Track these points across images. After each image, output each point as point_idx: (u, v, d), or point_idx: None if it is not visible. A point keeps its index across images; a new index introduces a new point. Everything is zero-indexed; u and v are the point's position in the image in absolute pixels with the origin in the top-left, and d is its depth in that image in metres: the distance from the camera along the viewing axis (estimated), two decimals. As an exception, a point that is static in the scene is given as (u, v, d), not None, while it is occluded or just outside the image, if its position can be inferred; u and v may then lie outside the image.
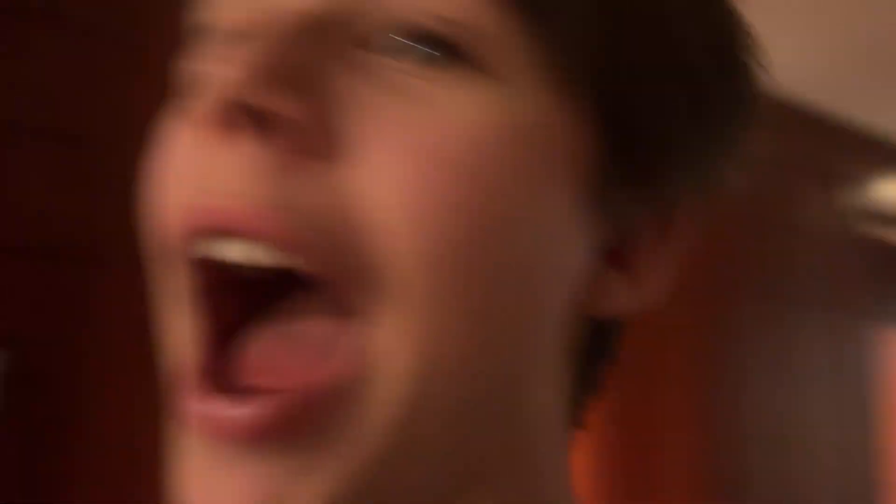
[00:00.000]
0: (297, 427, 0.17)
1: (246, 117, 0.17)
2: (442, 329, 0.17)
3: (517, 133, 0.18)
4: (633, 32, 0.20)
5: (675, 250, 0.22)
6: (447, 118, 0.18)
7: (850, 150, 1.93)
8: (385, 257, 0.17)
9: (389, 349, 0.17)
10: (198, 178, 0.18)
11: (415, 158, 0.17)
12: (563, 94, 0.19)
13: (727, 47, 0.22)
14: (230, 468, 0.17)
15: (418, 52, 0.18)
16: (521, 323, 0.19)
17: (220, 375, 0.18)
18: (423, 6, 0.18)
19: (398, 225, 0.17)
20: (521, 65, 0.18)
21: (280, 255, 0.17)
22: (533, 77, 0.19)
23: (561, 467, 0.22)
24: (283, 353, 0.18)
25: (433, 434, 0.18)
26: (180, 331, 0.19)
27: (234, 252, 0.17)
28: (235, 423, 0.17)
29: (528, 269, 0.19)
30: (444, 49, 0.18)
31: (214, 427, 0.17)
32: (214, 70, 0.17)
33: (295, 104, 0.17)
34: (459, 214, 0.17)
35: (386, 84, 0.18)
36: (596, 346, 0.23)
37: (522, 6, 0.18)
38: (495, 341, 0.19)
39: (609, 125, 0.20)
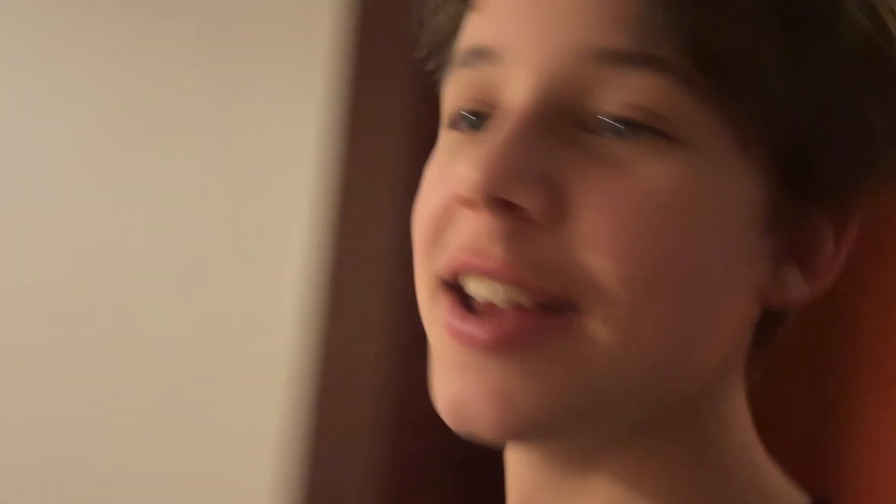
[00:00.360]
0: (519, 345, 0.24)
1: (487, 204, 0.23)
2: (636, 322, 0.23)
3: (702, 191, 0.23)
4: (820, 108, 0.24)
5: (849, 245, 0.26)
6: (643, 184, 0.23)
7: None
8: (596, 285, 0.23)
9: (595, 326, 0.23)
10: (441, 226, 0.25)
11: (617, 218, 0.23)
12: (748, 155, 0.23)
13: None
14: (476, 370, 0.24)
15: (623, 132, 0.23)
16: (704, 322, 0.25)
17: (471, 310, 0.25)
18: (625, 100, 0.23)
19: (606, 266, 0.23)
20: (711, 136, 0.23)
21: (512, 292, 0.24)
22: (720, 144, 0.23)
23: (740, 426, 0.27)
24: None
25: (627, 386, 0.24)
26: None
27: (481, 290, 0.24)
28: (479, 338, 0.24)
29: (704, 288, 0.24)
30: (644, 129, 0.23)
31: (468, 340, 0.24)
32: (462, 170, 0.23)
33: (527, 197, 0.23)
34: (649, 256, 0.23)
35: (597, 157, 0.23)
36: (770, 328, 0.28)
37: (716, 94, 0.22)
38: (680, 333, 0.24)
39: (787, 170, 0.24)
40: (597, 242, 0.23)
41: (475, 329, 0.24)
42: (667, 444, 0.26)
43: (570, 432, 0.26)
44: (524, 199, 0.23)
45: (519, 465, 0.28)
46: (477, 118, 0.26)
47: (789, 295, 0.26)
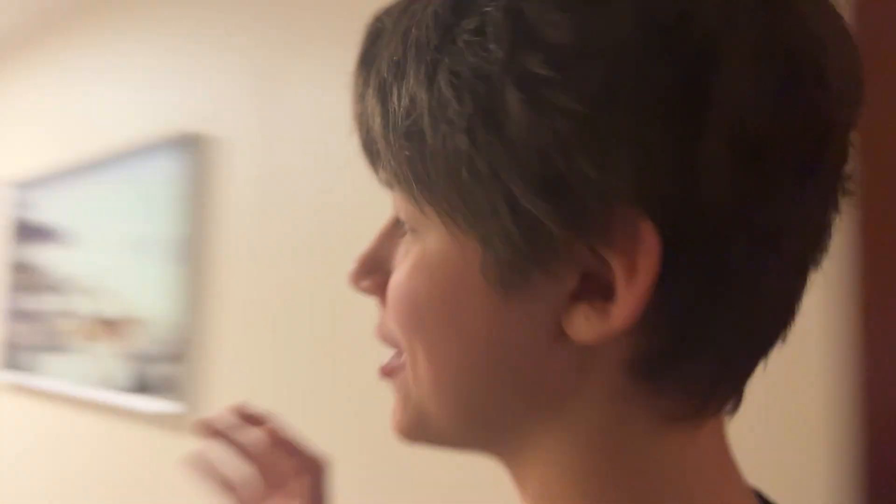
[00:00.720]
0: (386, 378, 0.32)
1: (357, 285, 0.33)
2: (414, 364, 0.30)
3: (430, 264, 0.28)
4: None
5: (649, 271, 0.24)
6: (405, 263, 0.30)
7: None
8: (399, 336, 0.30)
9: (405, 366, 0.31)
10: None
11: (391, 291, 0.30)
12: (455, 235, 0.28)
13: None
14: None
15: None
16: (476, 359, 0.29)
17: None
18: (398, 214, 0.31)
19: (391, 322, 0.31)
20: (429, 227, 0.28)
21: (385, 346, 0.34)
22: (436, 231, 0.28)
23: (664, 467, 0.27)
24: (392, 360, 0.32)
25: (443, 415, 0.30)
26: None
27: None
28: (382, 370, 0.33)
29: (461, 337, 0.29)
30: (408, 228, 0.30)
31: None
32: (354, 263, 0.33)
33: (364, 282, 0.33)
34: (401, 315, 0.30)
35: (403, 250, 0.31)
36: (653, 364, 0.26)
37: (420, 201, 0.28)
38: (459, 372, 0.30)
39: (487, 240, 0.28)
40: (388, 309, 0.31)
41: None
42: (569, 455, 0.28)
43: (445, 445, 0.32)
44: (365, 289, 0.34)
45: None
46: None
47: (588, 333, 0.25)
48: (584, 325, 0.25)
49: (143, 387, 1.54)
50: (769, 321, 0.27)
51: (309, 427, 1.22)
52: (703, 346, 0.25)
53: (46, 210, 1.92)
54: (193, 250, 1.44)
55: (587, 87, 0.23)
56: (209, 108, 1.47)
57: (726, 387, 0.27)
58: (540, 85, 0.23)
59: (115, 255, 1.65)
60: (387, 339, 0.32)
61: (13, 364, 1.95)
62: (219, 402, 1.39)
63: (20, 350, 1.96)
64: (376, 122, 0.28)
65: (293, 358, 1.28)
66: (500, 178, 0.24)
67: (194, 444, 1.42)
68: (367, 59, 0.28)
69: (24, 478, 1.94)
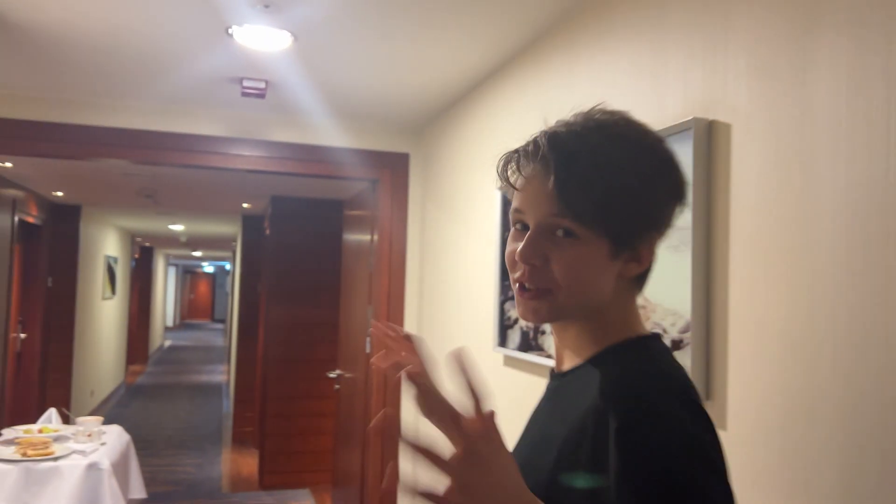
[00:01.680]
0: (535, 297, 0.85)
1: (523, 262, 0.84)
2: (568, 292, 0.83)
3: (586, 254, 0.83)
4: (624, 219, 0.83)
5: (651, 252, 0.86)
6: (569, 252, 0.82)
7: None
8: (558, 283, 0.83)
9: (557, 294, 0.84)
10: (512, 261, 0.87)
11: (562, 265, 0.82)
12: (601, 241, 0.82)
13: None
14: (525, 304, 0.86)
15: (565, 235, 0.83)
16: (594, 288, 0.84)
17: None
18: (562, 227, 0.83)
19: (560, 278, 0.83)
20: (589, 236, 0.82)
21: (531, 286, 0.85)
22: (594, 239, 0.82)
23: (627, 311, 0.88)
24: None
25: (572, 306, 0.84)
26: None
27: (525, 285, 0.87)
28: (526, 294, 0.86)
29: (590, 280, 0.84)
30: (569, 234, 0.82)
31: (523, 296, 0.86)
32: (518, 248, 0.84)
33: (534, 261, 0.83)
34: (570, 275, 0.83)
35: (557, 244, 0.83)
36: (637, 282, 0.88)
37: (585, 223, 0.81)
38: (586, 291, 0.84)
39: (615, 243, 0.83)
40: (556, 267, 0.82)
41: (525, 293, 0.85)
42: (592, 320, 0.86)
43: (561, 319, 0.88)
44: (534, 262, 0.83)
45: (555, 331, 0.92)
46: (522, 227, 0.87)
47: (633, 271, 0.85)
48: (633, 270, 0.86)
49: None
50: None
51: (830, 429, 1.04)
52: (650, 269, 0.87)
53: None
54: (698, 239, 1.41)
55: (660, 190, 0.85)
56: (714, 93, 1.43)
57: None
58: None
59: None
60: (537, 274, 0.84)
61: (526, 345, 2.17)
62: (731, 393, 1.34)
63: (531, 332, 2.18)
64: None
65: (811, 356, 1.17)
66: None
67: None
68: None
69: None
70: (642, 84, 1.67)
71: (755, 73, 1.32)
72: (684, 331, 1.43)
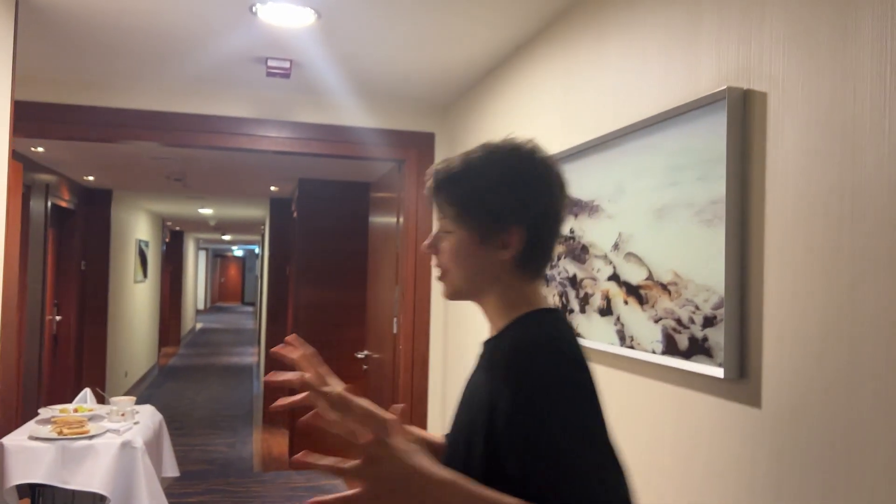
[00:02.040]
0: (441, 278, 1.12)
1: (429, 250, 1.12)
2: (452, 273, 1.09)
3: (459, 242, 1.07)
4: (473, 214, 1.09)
5: (516, 238, 1.03)
6: (447, 243, 1.08)
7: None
8: (447, 268, 1.11)
9: (450, 275, 1.10)
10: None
11: (446, 252, 1.10)
12: (469, 232, 1.07)
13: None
14: (441, 286, 1.13)
15: (445, 231, 1.10)
16: (476, 270, 1.06)
17: None
18: (440, 225, 1.10)
19: (446, 263, 1.10)
20: (457, 230, 1.07)
21: (436, 271, 1.13)
22: (461, 232, 1.07)
23: (520, 286, 1.06)
24: None
25: (461, 285, 1.09)
26: None
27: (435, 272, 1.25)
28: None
29: (470, 262, 1.07)
30: (445, 232, 1.09)
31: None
32: (427, 242, 1.13)
33: (431, 251, 1.12)
34: (451, 259, 1.08)
35: (443, 238, 1.10)
36: (523, 265, 1.05)
37: (455, 221, 1.08)
38: (469, 277, 1.07)
39: (483, 232, 1.06)
40: (444, 256, 1.09)
41: (438, 277, 1.13)
42: (493, 298, 1.07)
43: (460, 297, 1.10)
44: (430, 251, 1.12)
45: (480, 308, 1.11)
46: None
47: (506, 255, 1.04)
48: (503, 255, 1.04)
49: (675, 349, 1.55)
50: (549, 252, 1.08)
51: (878, 406, 1.01)
52: (540, 257, 1.06)
53: (576, 185, 2.05)
54: (732, 213, 1.38)
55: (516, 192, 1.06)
56: (749, 61, 1.39)
57: (543, 269, 1.07)
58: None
59: (644, 221, 1.69)
60: (438, 262, 1.11)
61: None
62: (766, 371, 1.31)
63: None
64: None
65: (851, 332, 1.13)
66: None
67: (731, 409, 1.34)
68: None
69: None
70: (675, 54, 1.62)
71: (793, 39, 1.27)
72: (717, 307, 1.39)
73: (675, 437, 1.57)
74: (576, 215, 2.04)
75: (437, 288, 3.57)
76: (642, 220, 1.69)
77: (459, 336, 3.27)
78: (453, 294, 1.11)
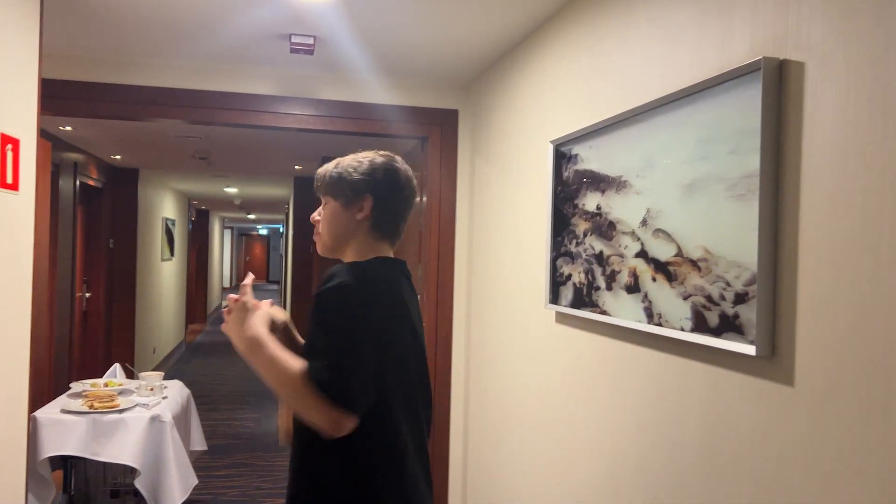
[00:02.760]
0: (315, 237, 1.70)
1: (312, 221, 1.68)
2: (326, 236, 1.64)
3: (333, 209, 1.62)
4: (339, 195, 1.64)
5: (366, 206, 1.58)
6: (325, 211, 1.64)
7: None
8: (322, 235, 1.67)
9: (323, 238, 1.66)
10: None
11: (322, 220, 1.65)
12: (342, 202, 1.63)
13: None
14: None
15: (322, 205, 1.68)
16: (340, 231, 1.61)
17: None
18: (322, 201, 1.66)
19: (323, 228, 1.66)
20: (332, 201, 1.63)
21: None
22: (335, 202, 1.63)
23: (369, 244, 1.60)
24: None
25: (331, 242, 1.64)
26: None
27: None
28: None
29: (337, 225, 1.62)
30: (323, 202, 1.67)
31: None
32: (312, 215, 1.69)
33: (314, 221, 1.67)
34: (325, 225, 1.63)
35: (323, 209, 1.67)
36: (371, 225, 1.60)
37: (322, 194, 1.67)
38: (335, 234, 1.62)
39: (347, 202, 1.62)
40: (321, 223, 1.65)
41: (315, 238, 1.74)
42: (349, 249, 1.61)
43: (331, 252, 1.65)
44: (314, 222, 1.68)
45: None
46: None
47: (361, 215, 1.59)
48: (359, 216, 1.59)
49: (705, 327, 1.53)
50: (395, 219, 1.62)
51: None
52: (385, 223, 1.60)
53: (603, 160, 2.01)
54: (766, 187, 1.34)
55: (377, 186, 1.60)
56: (786, 30, 1.34)
57: (392, 234, 1.62)
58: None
59: (673, 196, 1.66)
60: (317, 230, 1.67)
61: (580, 302, 2.13)
62: (799, 349, 1.28)
63: (585, 288, 2.13)
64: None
65: (889, 309, 1.10)
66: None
67: (763, 387, 1.32)
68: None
69: (578, 404, 2.13)
70: (707, 24, 1.58)
71: (833, 5, 1.22)
72: (749, 283, 1.36)
73: (704, 415, 1.55)
74: (602, 191, 2.00)
75: (461, 265, 3.56)
76: (671, 195, 1.65)
77: (485, 313, 3.27)
78: (323, 250, 1.65)
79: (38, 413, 3.34)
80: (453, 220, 3.57)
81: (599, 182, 2.01)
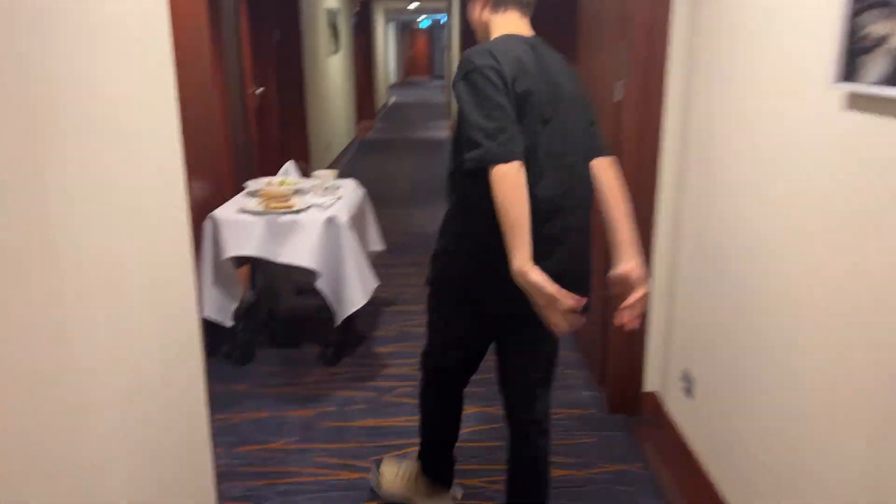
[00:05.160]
0: None
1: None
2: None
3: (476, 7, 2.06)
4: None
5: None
6: (468, 7, 2.33)
7: None
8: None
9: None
10: None
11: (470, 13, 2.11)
12: None
13: None
14: None
15: None
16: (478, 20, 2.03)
17: None
18: None
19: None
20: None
21: None
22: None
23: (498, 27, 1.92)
24: None
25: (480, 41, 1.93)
26: None
27: None
28: None
29: None
30: None
31: None
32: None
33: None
34: (473, 26, 2.13)
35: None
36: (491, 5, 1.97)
37: None
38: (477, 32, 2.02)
39: None
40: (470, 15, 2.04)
41: None
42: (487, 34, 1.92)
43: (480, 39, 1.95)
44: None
45: None
46: None
47: (478, 5, 2.00)
48: (479, 3, 1.94)
49: None
50: None
51: None
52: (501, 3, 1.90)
53: None
54: None
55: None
56: None
57: (509, 6, 1.89)
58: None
59: None
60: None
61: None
62: None
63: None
64: None
65: None
66: None
67: None
68: None
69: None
70: None
71: None
72: None
73: None
74: None
75: (678, 43, 2.83)
76: None
77: (712, 100, 2.60)
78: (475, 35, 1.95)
79: (218, 212, 3.27)
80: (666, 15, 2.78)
81: None
